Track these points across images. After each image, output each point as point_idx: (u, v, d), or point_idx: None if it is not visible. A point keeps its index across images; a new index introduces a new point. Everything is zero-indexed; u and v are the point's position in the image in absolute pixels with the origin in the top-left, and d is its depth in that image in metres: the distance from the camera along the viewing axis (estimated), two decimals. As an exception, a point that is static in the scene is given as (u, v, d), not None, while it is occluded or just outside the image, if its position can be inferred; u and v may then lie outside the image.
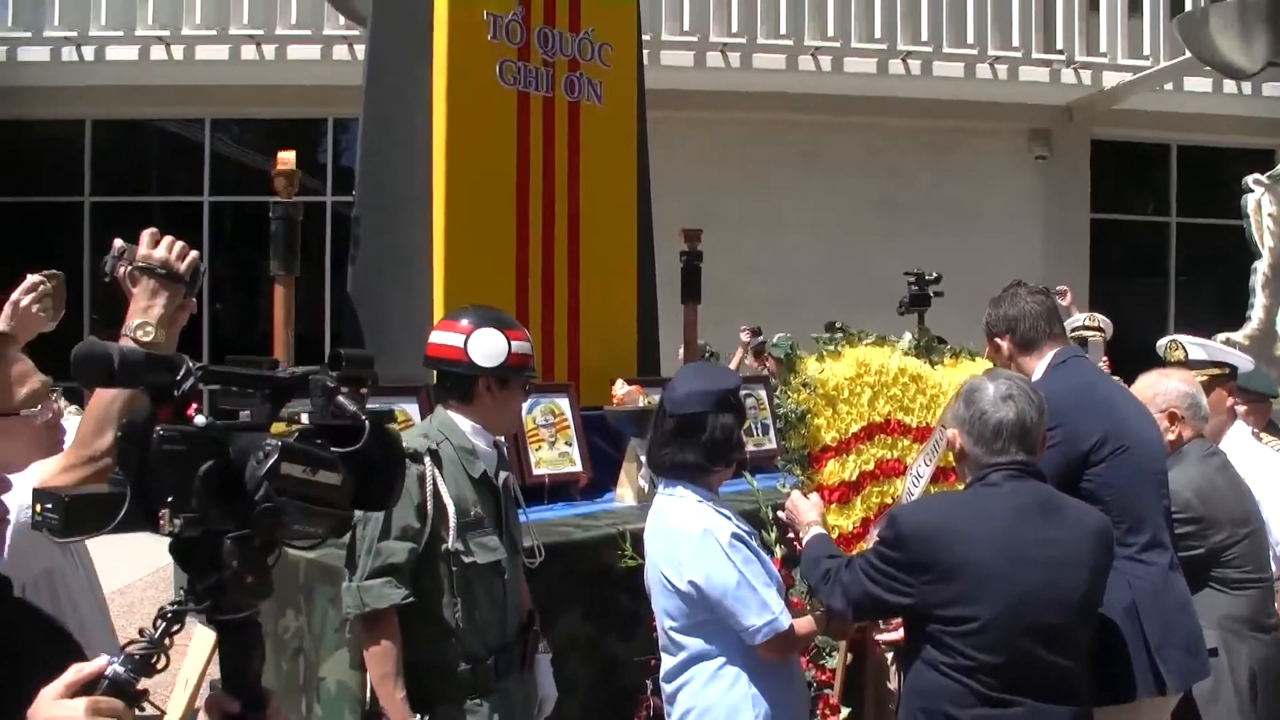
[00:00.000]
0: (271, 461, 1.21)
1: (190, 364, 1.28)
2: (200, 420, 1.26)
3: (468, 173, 4.62)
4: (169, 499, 1.20)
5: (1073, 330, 6.63)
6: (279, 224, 4.43)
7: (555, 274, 4.95)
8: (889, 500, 3.49)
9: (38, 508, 1.22)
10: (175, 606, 1.25)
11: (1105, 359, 6.70)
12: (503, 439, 3.06)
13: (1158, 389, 3.65)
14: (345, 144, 13.40)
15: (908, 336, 3.83)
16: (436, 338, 2.94)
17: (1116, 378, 4.27)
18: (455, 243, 4.55)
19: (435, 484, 2.72)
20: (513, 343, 2.91)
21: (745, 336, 9.86)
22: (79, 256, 12.67)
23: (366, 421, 1.30)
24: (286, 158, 4.51)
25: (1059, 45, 12.82)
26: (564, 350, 4.97)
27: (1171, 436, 3.56)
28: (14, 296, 2.84)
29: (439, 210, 4.54)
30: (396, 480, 1.39)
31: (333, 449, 1.28)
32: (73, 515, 1.21)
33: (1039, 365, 3.32)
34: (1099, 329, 7.14)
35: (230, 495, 1.22)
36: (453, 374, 2.89)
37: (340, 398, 1.31)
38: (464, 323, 2.93)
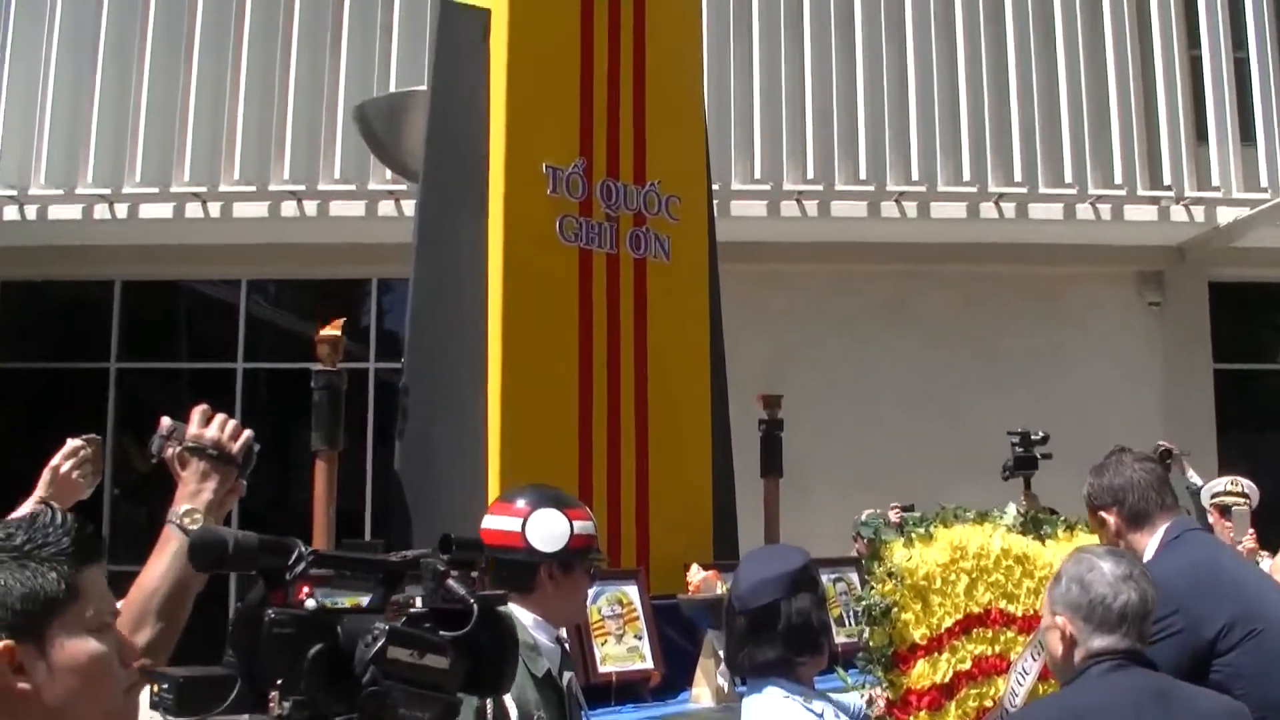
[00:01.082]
0: (379, 645, 1.33)
1: (303, 548, 1.39)
2: (311, 604, 1.37)
3: (526, 338, 4.71)
4: (279, 681, 1.32)
5: (1212, 498, 6.47)
6: (322, 394, 4.53)
7: (621, 446, 4.97)
8: (988, 703, 3.35)
9: (154, 688, 1.34)
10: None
11: (1252, 531, 6.51)
12: (564, 633, 3.03)
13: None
14: (390, 305, 13.71)
15: (1012, 509, 3.72)
16: (491, 522, 2.93)
17: (1264, 553, 4.15)
18: (512, 414, 4.60)
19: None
20: (575, 523, 2.90)
21: (894, 515, 9.68)
22: (102, 424, 12.96)
23: (475, 605, 1.41)
24: (332, 327, 4.65)
25: (1166, 180, 12.85)
26: (632, 531, 4.95)
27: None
28: (54, 462, 2.91)
29: (494, 378, 4.62)
30: (508, 665, 1.49)
31: (442, 632, 1.39)
32: (186, 696, 1.33)
33: (1150, 542, 3.24)
34: (1243, 495, 6.94)
35: (339, 678, 1.34)
36: (510, 562, 2.87)
37: (450, 581, 1.43)
38: (520, 504, 2.93)
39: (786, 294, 12.86)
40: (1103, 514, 3.32)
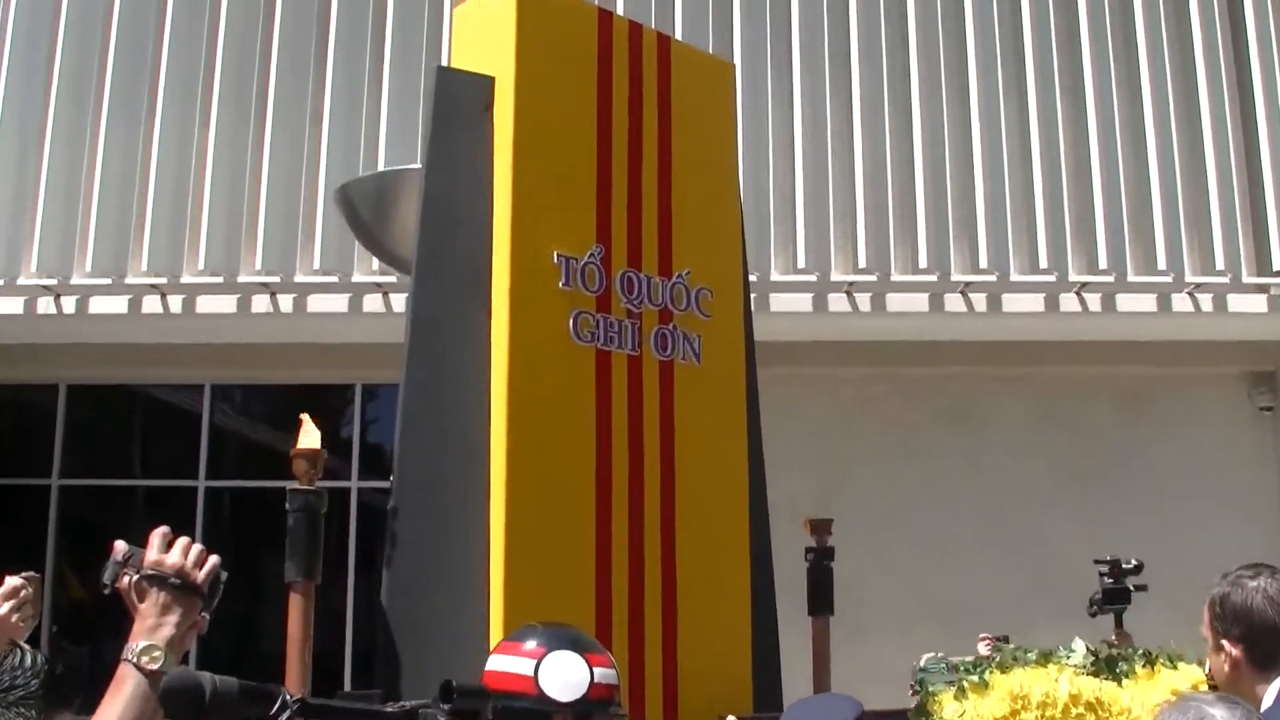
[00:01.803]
0: None
1: (287, 695, 1.44)
2: None
3: (535, 453, 4.74)
4: None
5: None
6: (297, 517, 4.55)
7: (645, 580, 4.97)
8: None
9: None
10: None
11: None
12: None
13: None
14: (376, 415, 13.80)
15: (1080, 647, 3.67)
16: (497, 663, 2.93)
17: None
18: (519, 540, 4.61)
19: None
20: (595, 669, 2.89)
21: (985, 648, 9.57)
22: (42, 551, 12.94)
23: None
24: (307, 434, 4.68)
25: (1276, 265, 12.83)
26: (658, 679, 4.92)
27: None
28: None
29: (498, 499, 4.64)
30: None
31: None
32: None
33: (1271, 690, 3.17)
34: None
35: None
36: (520, 711, 2.86)
37: None
38: (532, 644, 2.93)
39: (836, 401, 12.89)
40: (1226, 646, 3.19)
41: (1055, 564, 10.79)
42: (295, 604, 4.49)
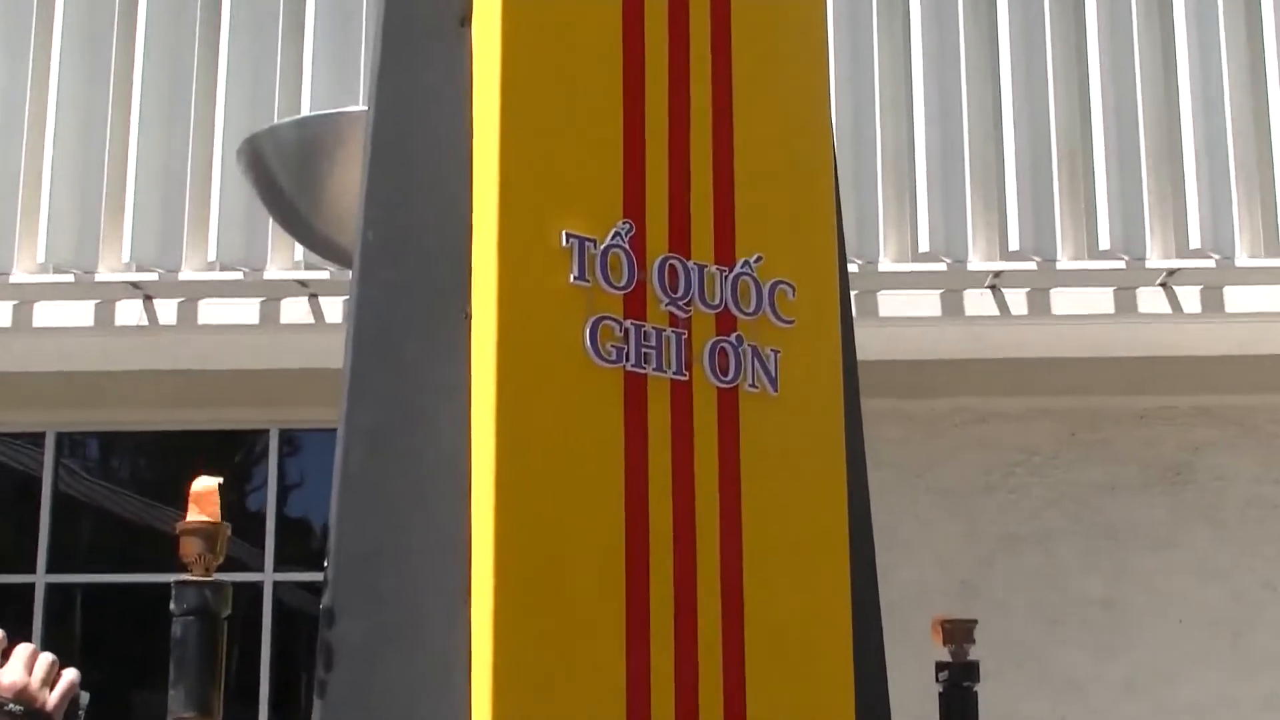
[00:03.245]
0: None
1: None
2: None
3: (536, 530, 4.73)
4: None
5: None
6: (188, 624, 4.56)
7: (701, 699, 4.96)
8: None
9: None
10: None
11: None
12: None
13: None
14: (299, 473, 13.86)
15: None
16: None
17: None
18: (513, 659, 4.61)
19: None
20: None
21: None
22: None
23: None
24: (202, 502, 4.69)
25: None
26: None
27: None
28: None
29: (484, 601, 4.63)
30: None
31: None
32: None
33: None
34: None
35: None
36: None
37: None
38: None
39: (982, 449, 12.85)
40: None
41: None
42: (184, 748, 4.50)
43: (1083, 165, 12.10)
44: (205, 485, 4.58)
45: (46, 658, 2.24)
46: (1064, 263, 12.23)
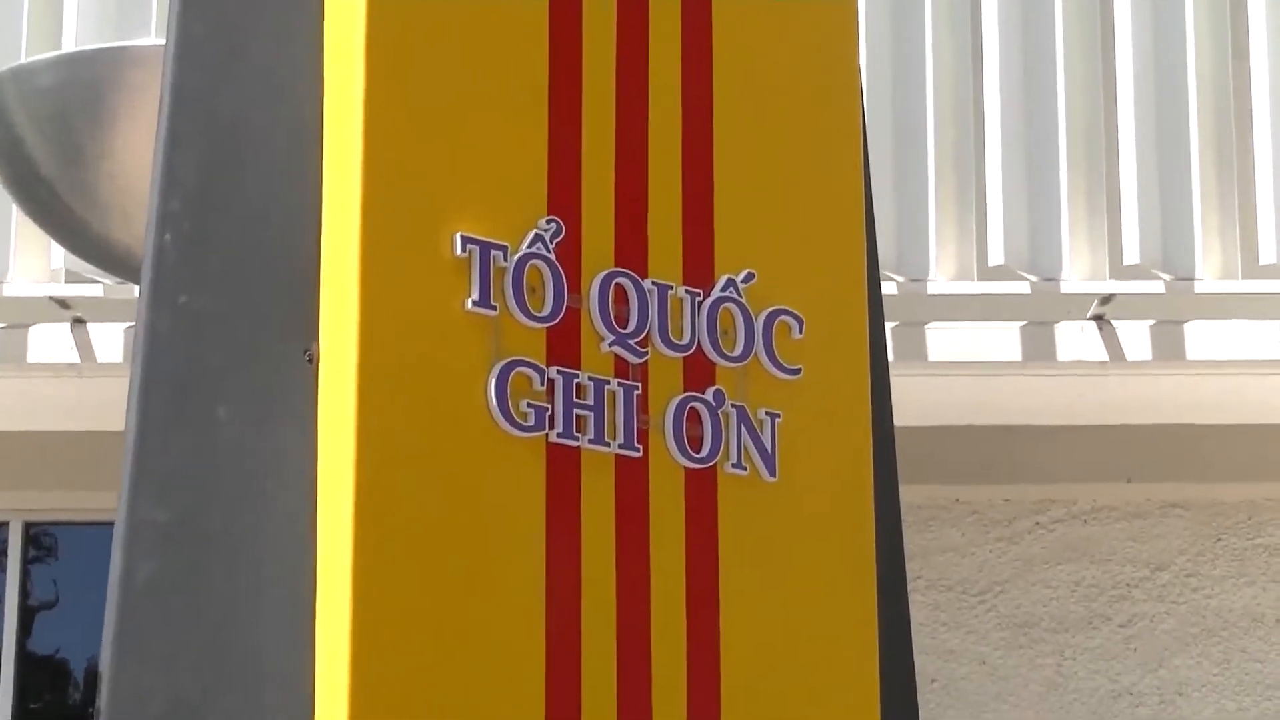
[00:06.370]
0: None
1: None
2: None
3: (404, 673, 4.77)
4: None
5: None
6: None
7: None
8: None
9: None
10: None
11: None
12: None
13: None
14: (48, 587, 13.90)
15: None
16: None
17: None
18: None
19: None
20: None
21: None
22: None
23: None
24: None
25: None
26: None
27: None
28: None
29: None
30: None
31: None
32: None
33: None
34: None
35: None
36: None
37: None
38: None
39: (1080, 559, 12.98)
40: None
41: None
42: None
43: (1237, 147, 12.14)
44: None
45: None
46: (1207, 282, 12.31)
